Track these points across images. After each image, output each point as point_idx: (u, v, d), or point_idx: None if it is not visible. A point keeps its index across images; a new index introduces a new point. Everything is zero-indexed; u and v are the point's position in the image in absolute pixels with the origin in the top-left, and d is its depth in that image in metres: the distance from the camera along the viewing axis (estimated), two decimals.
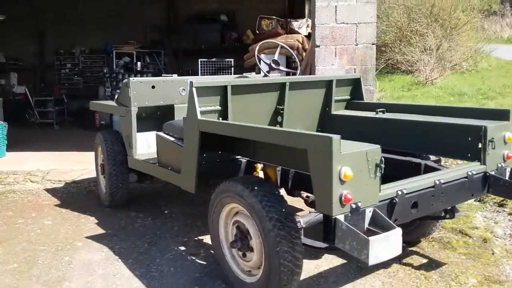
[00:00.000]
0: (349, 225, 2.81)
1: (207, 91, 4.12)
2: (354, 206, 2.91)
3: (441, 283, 3.93)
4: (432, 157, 4.28)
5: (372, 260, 2.67)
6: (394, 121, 4.45)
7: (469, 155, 3.88)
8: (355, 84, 5.29)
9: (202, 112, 4.11)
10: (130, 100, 5.11)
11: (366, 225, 2.99)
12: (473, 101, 10.58)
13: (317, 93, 4.99)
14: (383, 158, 3.01)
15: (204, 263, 4.41)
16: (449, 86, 12.48)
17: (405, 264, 4.27)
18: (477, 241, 4.70)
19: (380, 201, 3.09)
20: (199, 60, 11.99)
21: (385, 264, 4.25)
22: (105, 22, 14.21)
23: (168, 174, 4.63)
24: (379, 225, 2.95)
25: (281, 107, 4.67)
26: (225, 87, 4.20)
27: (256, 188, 3.39)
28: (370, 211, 3.00)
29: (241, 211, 3.61)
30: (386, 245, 2.71)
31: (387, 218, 3.00)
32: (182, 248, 4.77)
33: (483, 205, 5.66)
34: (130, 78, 5.07)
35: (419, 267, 4.21)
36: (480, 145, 3.78)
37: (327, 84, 5.04)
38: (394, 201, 3.14)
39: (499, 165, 3.89)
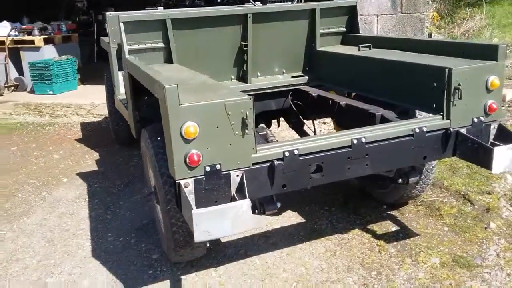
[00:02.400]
0: (186, 193, 2.34)
1: (139, 26, 3.71)
2: (209, 168, 2.42)
3: (394, 258, 3.28)
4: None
5: (198, 237, 2.19)
6: (371, 61, 3.63)
7: (434, 105, 3.00)
8: (351, 14, 4.41)
9: (134, 51, 3.75)
10: (109, 36, 4.90)
11: (233, 192, 2.48)
12: None
13: (296, 26, 4.26)
14: (251, 113, 2.42)
15: None
16: None
17: (367, 231, 3.65)
18: (476, 210, 3.81)
19: (254, 164, 2.53)
20: None
21: (345, 229, 3.68)
22: None
23: (128, 117, 4.43)
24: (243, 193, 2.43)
25: (245, 44, 4.08)
26: (164, 21, 3.75)
27: (159, 138, 3.02)
28: (237, 175, 2.48)
29: None
30: (220, 220, 2.20)
31: (245, 186, 2.44)
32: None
33: None
34: (107, 13, 4.83)
35: (381, 236, 3.56)
36: (445, 94, 2.89)
37: (310, 15, 4.26)
38: (273, 164, 2.55)
39: (475, 120, 2.96)
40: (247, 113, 2.39)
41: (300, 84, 4.35)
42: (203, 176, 2.40)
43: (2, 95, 9.38)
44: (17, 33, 9.75)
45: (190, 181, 2.38)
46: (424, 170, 3.54)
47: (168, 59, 3.94)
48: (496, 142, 3.01)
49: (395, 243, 3.45)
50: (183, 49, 3.95)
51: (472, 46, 3.22)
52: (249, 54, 4.10)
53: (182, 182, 2.36)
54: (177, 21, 3.80)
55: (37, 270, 3.40)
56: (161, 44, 3.87)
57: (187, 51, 3.98)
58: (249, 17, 3.98)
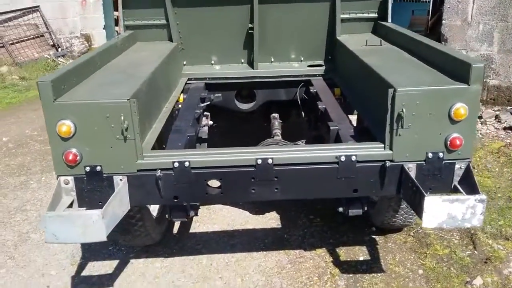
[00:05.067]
0: (58, 191, 2.33)
1: (138, 2, 3.68)
2: (89, 169, 2.37)
3: None
4: None
5: (47, 239, 2.19)
6: (357, 60, 3.12)
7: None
8: None
9: (131, 27, 3.76)
10: None
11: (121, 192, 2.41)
12: None
13: (313, 9, 3.81)
14: (134, 117, 2.28)
15: None
16: None
17: (332, 253, 3.31)
18: (472, 258, 3.17)
19: (141, 170, 2.40)
20: None
21: (312, 246, 3.40)
22: None
23: None
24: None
25: (251, 26, 3.81)
26: None
27: None
28: (121, 180, 2.39)
29: None
30: (68, 226, 2.16)
31: (126, 195, 2.34)
32: None
33: None
34: None
35: (342, 263, 3.21)
36: (387, 118, 2.37)
37: None
38: (159, 174, 2.38)
39: (430, 155, 2.38)
40: (128, 116, 2.27)
41: (313, 75, 3.96)
42: (84, 176, 2.38)
43: None
44: None
45: (70, 179, 2.39)
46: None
47: (171, 37, 3.89)
48: (459, 187, 2.41)
49: (351, 275, 3.07)
50: (186, 28, 3.85)
51: (447, 57, 2.55)
52: (255, 38, 3.84)
53: (62, 179, 2.38)
54: None
55: None
56: (163, 21, 3.82)
57: (191, 30, 3.87)
58: None
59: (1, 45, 9.43)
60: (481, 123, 5.64)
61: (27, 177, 4.74)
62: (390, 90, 2.31)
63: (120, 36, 3.60)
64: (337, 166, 2.42)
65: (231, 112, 4.26)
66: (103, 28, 11.40)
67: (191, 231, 3.67)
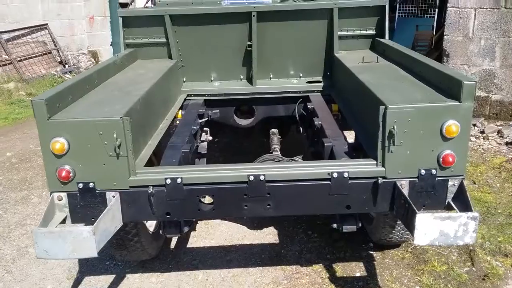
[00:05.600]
0: (51, 207, 2.36)
1: (138, 21, 3.75)
2: (82, 185, 2.39)
3: None
4: None
5: (39, 254, 2.20)
6: (353, 78, 3.13)
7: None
8: (380, 15, 3.82)
9: (131, 45, 3.82)
10: None
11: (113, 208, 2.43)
12: None
13: (311, 26, 3.84)
14: (126, 134, 2.31)
15: None
16: None
17: (328, 269, 3.29)
18: (470, 275, 3.13)
19: (133, 187, 2.42)
20: None
21: (308, 261, 3.38)
22: None
23: None
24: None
25: (250, 44, 3.85)
26: (162, 17, 3.72)
27: None
28: (113, 196, 2.41)
29: None
30: (59, 242, 2.17)
31: (119, 211, 2.36)
32: None
33: None
34: None
35: (338, 279, 3.19)
36: (379, 135, 2.38)
37: (328, 14, 3.79)
38: (151, 191, 2.40)
39: (423, 172, 2.38)
40: (121, 134, 2.30)
41: (312, 91, 3.98)
42: (77, 192, 2.40)
43: None
44: None
45: (64, 195, 2.42)
46: None
47: (171, 55, 3.94)
48: (453, 204, 2.40)
49: None
50: (185, 45, 3.90)
51: (439, 75, 2.56)
52: (254, 55, 3.88)
53: (55, 195, 2.41)
54: (176, 17, 3.75)
55: None
56: (163, 40, 3.88)
57: (190, 48, 3.92)
58: (254, 16, 3.73)
59: (9, 62, 9.60)
60: (483, 138, 5.61)
61: (28, 191, 4.79)
62: (382, 107, 2.32)
63: (119, 54, 3.66)
64: (330, 182, 2.42)
65: (230, 127, 4.29)
66: (110, 45, 11.57)
67: (188, 246, 3.67)
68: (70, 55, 10.74)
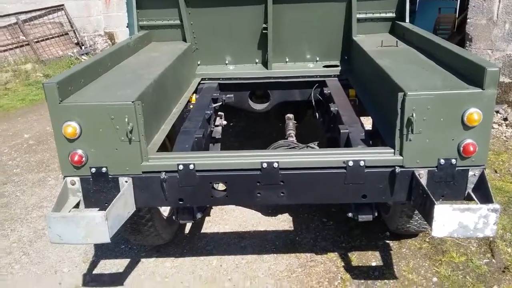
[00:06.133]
0: (64, 191, 2.35)
1: (152, 2, 3.69)
2: (95, 170, 2.37)
3: None
4: None
5: (52, 239, 2.20)
6: (372, 63, 3.04)
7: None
8: None
9: (145, 27, 3.76)
10: None
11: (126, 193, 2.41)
12: None
13: (329, 9, 3.74)
14: (139, 119, 2.28)
15: None
16: None
17: (343, 258, 3.25)
18: (490, 266, 3.06)
19: (146, 172, 2.39)
20: None
21: (323, 249, 3.36)
22: None
23: None
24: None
25: (265, 26, 3.77)
26: None
27: None
28: (126, 181, 2.39)
29: None
30: (72, 227, 2.16)
31: (131, 197, 2.35)
32: None
33: None
34: None
35: (353, 268, 3.15)
36: (397, 123, 2.30)
37: None
38: (163, 176, 2.37)
39: (442, 162, 2.30)
40: (133, 118, 2.27)
41: (328, 76, 3.89)
42: (90, 177, 2.39)
43: None
44: None
45: (77, 180, 2.41)
46: None
47: (185, 38, 3.88)
48: (473, 195, 2.32)
49: (362, 281, 3.01)
50: (200, 28, 3.84)
51: (462, 60, 2.46)
52: (269, 38, 3.80)
53: (68, 180, 2.40)
54: None
55: None
56: (177, 22, 3.82)
57: (205, 30, 3.86)
58: None
59: (27, 43, 9.64)
60: (506, 125, 5.46)
61: (45, 174, 4.82)
62: (400, 94, 2.24)
63: (133, 37, 3.62)
64: (345, 171, 2.36)
65: (245, 112, 4.23)
66: (127, 26, 11.49)
67: (202, 231, 3.66)
68: (87, 37, 10.73)
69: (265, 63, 4.00)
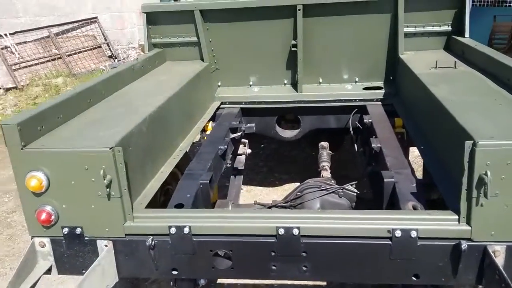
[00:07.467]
0: (31, 254, 1.87)
1: (165, 17, 3.23)
2: (67, 231, 1.90)
3: None
4: None
5: None
6: (425, 91, 2.41)
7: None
8: (458, 8, 3.06)
9: (159, 45, 3.31)
10: None
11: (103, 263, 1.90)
12: None
13: (370, 22, 3.15)
14: (120, 169, 1.77)
15: None
16: None
17: None
18: None
19: (129, 235, 1.88)
20: None
21: None
22: None
23: None
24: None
25: (295, 43, 3.22)
26: (192, 12, 3.17)
27: None
28: (106, 245, 1.90)
29: None
30: None
31: (113, 265, 1.81)
32: None
33: None
34: None
35: None
36: (463, 182, 1.68)
37: (392, 7, 3.08)
38: (149, 242, 1.84)
39: None
40: (111, 170, 1.77)
41: (370, 100, 3.28)
42: (62, 238, 1.92)
43: None
44: None
45: (47, 241, 1.95)
46: None
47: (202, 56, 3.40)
48: None
49: None
50: (220, 45, 3.34)
51: None
52: (299, 56, 3.26)
53: (37, 241, 1.95)
54: (208, 12, 3.19)
55: None
56: (194, 39, 3.34)
57: (226, 48, 3.36)
58: (299, 10, 3.10)
59: (59, 56, 9.49)
60: None
61: None
62: (468, 143, 1.63)
63: (141, 57, 3.15)
64: (391, 242, 1.77)
65: (270, 140, 3.68)
66: None
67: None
68: (120, 49, 10.52)
69: (294, 85, 3.44)
